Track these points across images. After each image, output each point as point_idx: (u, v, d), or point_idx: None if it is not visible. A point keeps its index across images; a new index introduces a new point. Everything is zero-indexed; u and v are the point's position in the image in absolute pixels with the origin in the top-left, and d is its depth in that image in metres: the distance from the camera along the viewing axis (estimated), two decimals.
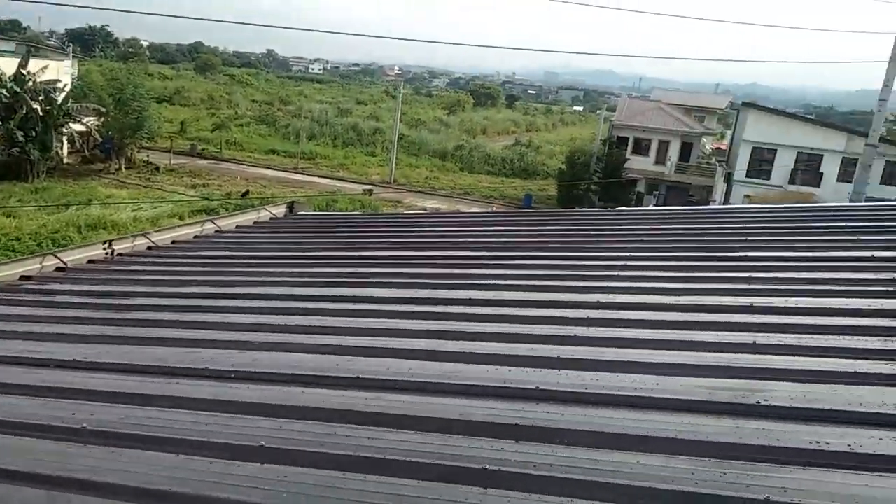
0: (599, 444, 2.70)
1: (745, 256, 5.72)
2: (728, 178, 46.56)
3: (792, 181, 45.64)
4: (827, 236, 6.35)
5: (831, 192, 42.99)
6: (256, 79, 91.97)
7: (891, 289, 4.56)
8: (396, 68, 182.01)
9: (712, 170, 49.90)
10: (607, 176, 46.95)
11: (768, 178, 46.49)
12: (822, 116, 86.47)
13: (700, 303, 4.49)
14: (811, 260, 5.51)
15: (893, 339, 3.75)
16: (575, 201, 47.44)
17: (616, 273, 5.48)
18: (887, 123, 54.45)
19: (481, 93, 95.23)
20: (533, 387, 3.28)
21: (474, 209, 47.39)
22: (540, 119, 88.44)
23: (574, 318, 4.37)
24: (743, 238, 6.43)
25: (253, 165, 48.43)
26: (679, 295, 4.69)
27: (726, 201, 45.23)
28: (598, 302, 4.67)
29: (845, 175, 43.43)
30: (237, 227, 8.91)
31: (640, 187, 50.00)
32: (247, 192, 35.89)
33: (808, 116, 60.70)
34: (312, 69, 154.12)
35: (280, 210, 9.95)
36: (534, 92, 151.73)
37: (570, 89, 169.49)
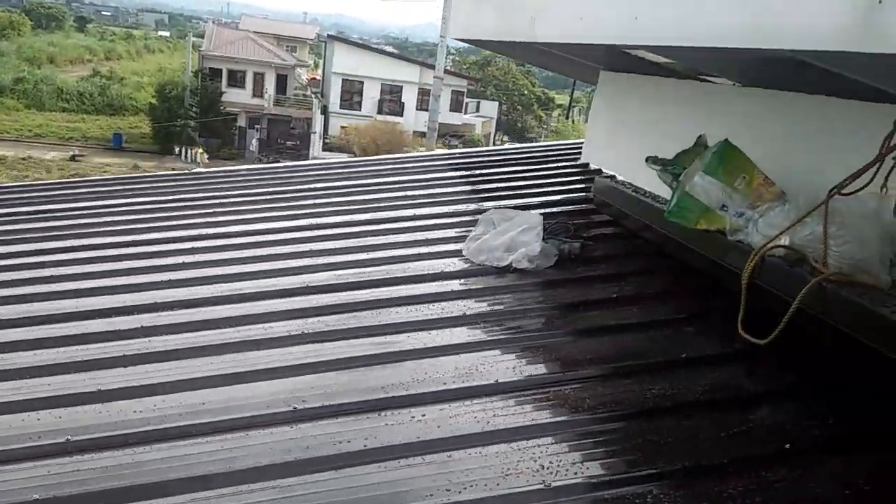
0: None
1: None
2: (325, 110, 48.44)
3: (380, 111, 49.61)
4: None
5: (413, 120, 48.09)
6: None
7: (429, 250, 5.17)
8: None
9: (309, 102, 51.20)
10: (204, 110, 44.69)
11: (360, 109, 49.76)
12: (400, 48, 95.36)
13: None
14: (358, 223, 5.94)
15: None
16: (173, 138, 44.28)
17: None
18: (450, 56, 62.55)
19: (41, 13, 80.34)
20: None
21: (51, 155, 40.76)
22: (121, 46, 78.96)
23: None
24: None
25: None
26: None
27: (325, 132, 47.23)
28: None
29: (422, 104, 48.32)
30: None
31: (242, 121, 48.88)
32: None
33: (389, 50, 66.01)
34: None
35: None
36: (109, 13, 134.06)
37: (152, 11, 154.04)
